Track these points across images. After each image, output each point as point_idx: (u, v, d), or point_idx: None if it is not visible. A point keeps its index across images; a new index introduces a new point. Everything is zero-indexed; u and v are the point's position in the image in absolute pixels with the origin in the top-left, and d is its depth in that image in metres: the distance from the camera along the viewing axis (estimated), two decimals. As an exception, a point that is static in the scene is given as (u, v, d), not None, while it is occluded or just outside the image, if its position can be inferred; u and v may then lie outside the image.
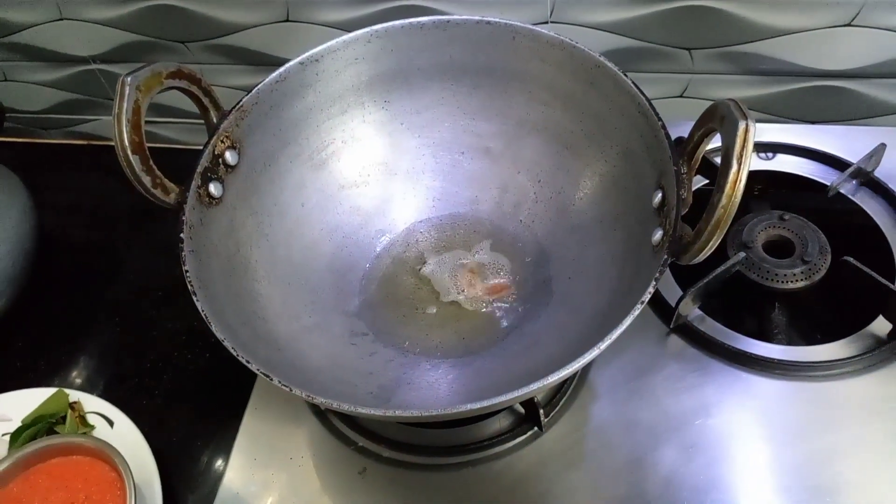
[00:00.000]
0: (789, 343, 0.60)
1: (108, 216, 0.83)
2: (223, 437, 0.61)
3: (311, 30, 0.78)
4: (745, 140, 0.39)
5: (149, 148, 0.51)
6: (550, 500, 0.53)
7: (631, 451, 0.54)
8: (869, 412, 0.54)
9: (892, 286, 0.58)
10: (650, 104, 0.50)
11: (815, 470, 0.52)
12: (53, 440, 0.57)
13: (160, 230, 0.71)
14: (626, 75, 0.53)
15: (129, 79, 0.49)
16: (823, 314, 0.66)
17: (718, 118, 0.42)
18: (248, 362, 0.44)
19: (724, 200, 0.39)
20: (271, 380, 0.43)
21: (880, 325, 0.58)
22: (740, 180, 0.39)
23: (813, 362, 0.57)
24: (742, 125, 0.39)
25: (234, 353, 0.44)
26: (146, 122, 0.50)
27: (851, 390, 0.55)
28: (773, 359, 0.57)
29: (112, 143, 0.49)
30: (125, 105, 0.48)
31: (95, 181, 0.88)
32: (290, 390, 0.42)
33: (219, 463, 0.62)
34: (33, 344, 0.72)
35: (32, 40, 0.87)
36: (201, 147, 0.54)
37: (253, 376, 0.61)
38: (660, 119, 0.49)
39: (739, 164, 0.39)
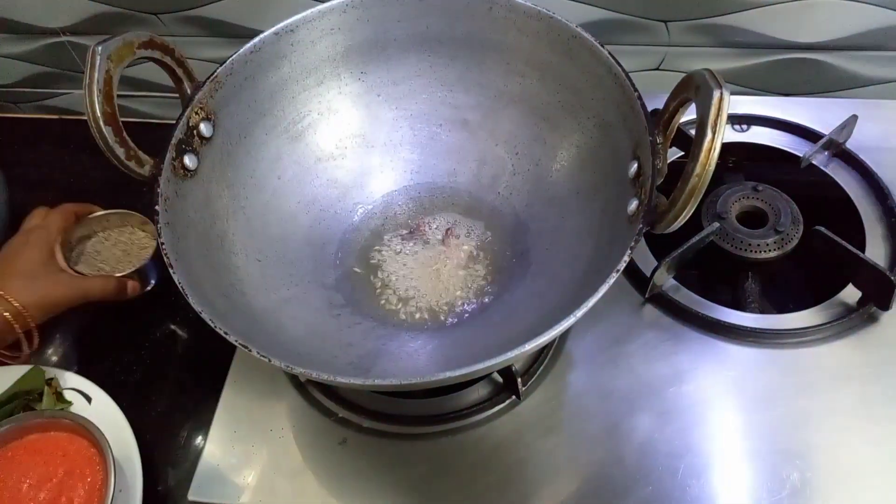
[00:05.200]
0: (762, 311, 0.61)
1: (81, 191, 0.82)
2: (203, 412, 0.61)
3: (286, 1, 0.77)
4: (719, 108, 0.39)
5: (122, 122, 0.50)
6: (528, 467, 0.54)
7: (607, 418, 0.55)
8: (838, 378, 0.56)
9: (862, 255, 0.59)
10: (626, 75, 0.51)
11: (785, 434, 0.53)
12: (30, 417, 0.57)
13: (134, 206, 0.70)
14: (602, 46, 0.53)
15: (99, 48, 0.48)
16: (795, 283, 0.67)
17: (693, 88, 0.42)
18: (226, 334, 0.44)
19: (698, 169, 0.40)
20: (250, 351, 0.43)
21: (850, 293, 0.59)
22: (714, 149, 0.39)
23: (785, 330, 0.58)
24: (717, 94, 0.39)
25: (212, 325, 0.44)
26: (119, 95, 0.49)
27: (822, 357, 0.57)
28: (746, 327, 0.58)
29: (85, 118, 0.48)
30: (96, 75, 0.47)
31: (68, 156, 0.87)
32: (269, 361, 0.42)
33: (199, 437, 0.62)
34: (7, 321, 0.71)
35: (0, 11, 0.85)
36: (175, 120, 0.54)
37: (231, 350, 0.61)
38: (636, 90, 0.49)
39: (714, 133, 0.39)
